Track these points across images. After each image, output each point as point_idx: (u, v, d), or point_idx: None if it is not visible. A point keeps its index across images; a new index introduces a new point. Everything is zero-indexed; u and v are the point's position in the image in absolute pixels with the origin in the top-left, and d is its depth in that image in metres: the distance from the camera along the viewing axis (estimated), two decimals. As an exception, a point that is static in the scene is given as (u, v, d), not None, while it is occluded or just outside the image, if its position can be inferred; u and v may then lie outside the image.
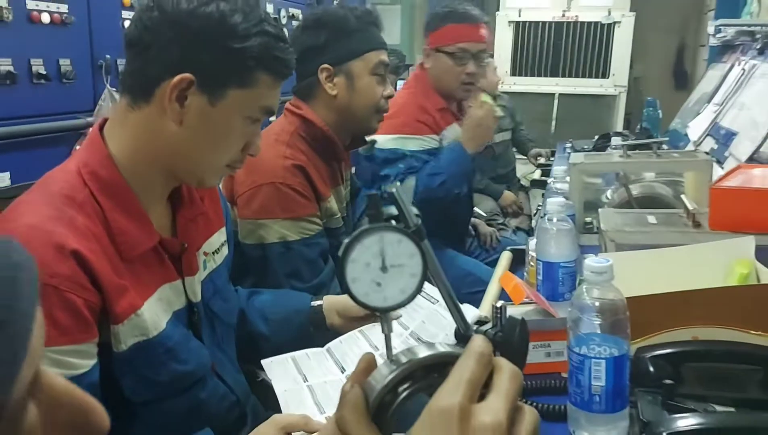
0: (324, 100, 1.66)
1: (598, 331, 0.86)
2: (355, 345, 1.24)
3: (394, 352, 0.54)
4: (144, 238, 1.01)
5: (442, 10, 2.42)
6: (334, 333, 1.31)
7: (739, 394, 0.91)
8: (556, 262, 1.25)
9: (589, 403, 0.87)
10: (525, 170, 4.82)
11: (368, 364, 0.55)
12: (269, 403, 1.22)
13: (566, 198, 1.66)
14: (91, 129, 2.22)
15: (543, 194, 3.15)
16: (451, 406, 0.47)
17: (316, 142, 1.64)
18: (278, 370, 1.19)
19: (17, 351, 0.28)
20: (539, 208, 3.11)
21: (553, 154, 4.08)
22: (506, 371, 0.51)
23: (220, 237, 1.22)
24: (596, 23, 5.14)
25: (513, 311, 1.03)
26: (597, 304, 0.86)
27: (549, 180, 2.14)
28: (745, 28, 2.85)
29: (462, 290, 1.80)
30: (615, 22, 5.11)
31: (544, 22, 5.24)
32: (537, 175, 4.07)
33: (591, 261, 0.87)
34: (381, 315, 0.53)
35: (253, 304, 1.37)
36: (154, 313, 1.01)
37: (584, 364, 0.86)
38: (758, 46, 2.56)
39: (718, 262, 1.15)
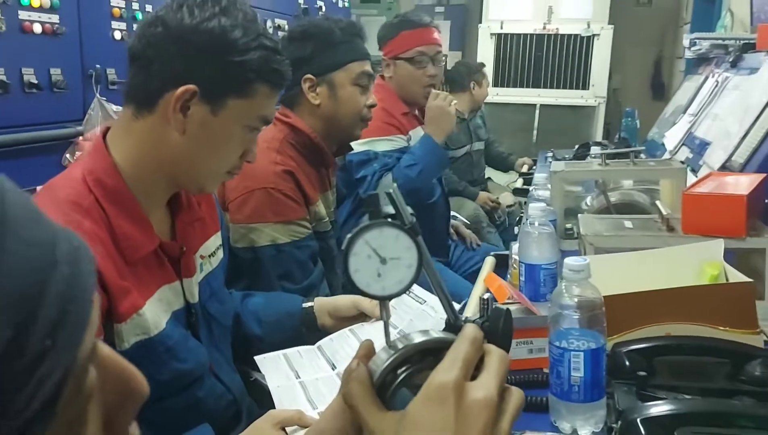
0: (308, 109, 1.72)
1: (577, 326, 0.92)
2: (346, 343, 1.29)
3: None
4: (146, 242, 1.06)
5: (394, 20, 2.53)
6: (325, 332, 1.35)
7: (707, 385, 0.98)
8: (538, 265, 1.31)
9: (568, 393, 0.92)
10: (507, 179, 4.90)
11: (368, 350, 0.60)
12: (263, 403, 1.26)
13: (548, 204, 1.73)
14: (80, 138, 2.27)
15: (525, 202, 3.22)
16: (447, 382, 0.53)
17: (304, 148, 1.70)
18: (271, 366, 1.23)
19: (84, 318, 0.33)
20: (521, 214, 3.18)
21: (535, 163, 4.16)
22: (496, 354, 0.57)
23: (215, 241, 1.27)
24: (576, 36, 5.25)
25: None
26: (575, 300, 0.92)
27: (531, 188, 2.21)
28: (719, 41, 2.95)
29: None
30: (594, 35, 5.23)
31: (525, 35, 5.34)
32: (519, 183, 4.15)
33: (570, 260, 0.93)
34: (380, 303, 0.58)
35: (246, 307, 1.41)
36: (155, 312, 1.05)
37: (564, 356, 0.92)
38: (731, 59, 2.65)
39: (690, 264, 1.22)
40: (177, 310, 1.11)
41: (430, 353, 0.57)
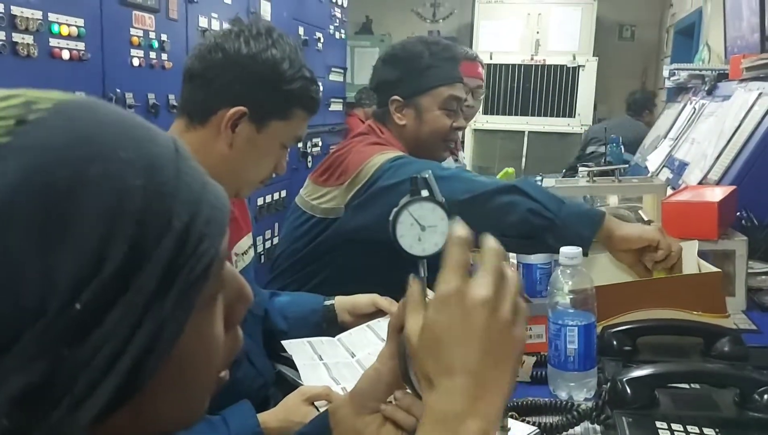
0: (395, 128, 1.84)
1: (571, 305, 1.07)
2: (364, 337, 1.42)
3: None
4: None
5: None
6: (344, 328, 1.49)
7: (683, 359, 1.13)
8: (534, 264, 1.47)
9: (564, 363, 1.07)
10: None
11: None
12: (287, 393, 1.39)
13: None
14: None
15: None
16: (449, 291, 0.62)
17: None
18: (297, 349, 1.37)
19: (223, 223, 0.48)
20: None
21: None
22: (488, 249, 0.64)
23: (247, 241, 1.42)
24: (562, 66, 5.49)
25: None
26: (570, 283, 1.08)
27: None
28: (696, 72, 3.17)
29: None
30: (580, 66, 5.48)
31: (513, 65, 5.58)
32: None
33: (565, 249, 1.09)
34: (420, 261, 0.73)
35: (273, 304, 1.55)
36: None
37: (561, 331, 1.07)
38: (707, 88, 2.86)
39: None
40: None
41: None
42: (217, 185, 0.51)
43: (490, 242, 0.64)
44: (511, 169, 2.57)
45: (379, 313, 1.48)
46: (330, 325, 1.52)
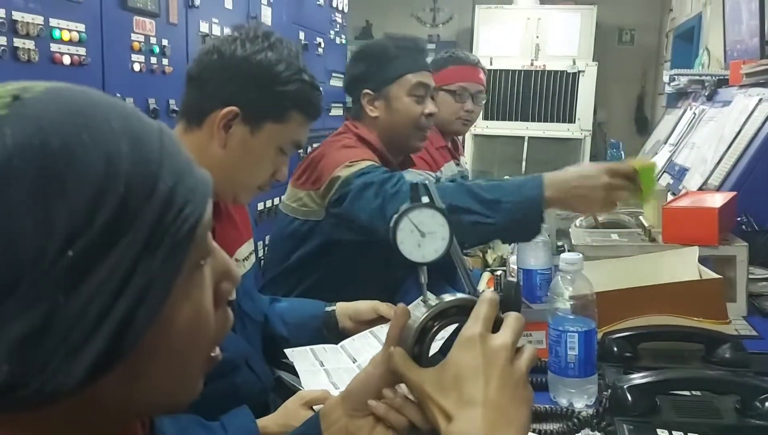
0: (369, 122, 1.88)
1: (571, 311, 1.07)
2: (366, 343, 1.42)
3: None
4: None
5: (445, 55, 2.70)
6: (345, 335, 1.49)
7: (684, 366, 1.13)
8: (534, 270, 1.47)
9: (565, 369, 1.07)
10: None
11: (403, 311, 0.75)
12: (287, 398, 1.39)
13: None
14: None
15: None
16: (473, 334, 0.69)
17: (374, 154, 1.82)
18: (299, 356, 1.37)
19: (206, 196, 0.52)
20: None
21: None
22: (512, 316, 0.73)
23: (248, 247, 1.42)
24: (562, 72, 5.49)
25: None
26: (570, 289, 1.08)
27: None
28: (696, 77, 3.17)
29: None
30: (579, 71, 5.47)
31: (513, 70, 5.57)
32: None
33: (566, 255, 1.09)
34: (420, 267, 0.73)
35: (273, 310, 1.55)
36: None
37: (561, 337, 1.07)
38: (706, 93, 2.86)
39: (668, 267, 1.38)
40: None
41: (456, 309, 0.72)
42: (201, 168, 0.54)
43: (519, 315, 0.73)
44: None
45: (380, 319, 1.48)
46: (330, 331, 1.52)
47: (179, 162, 0.51)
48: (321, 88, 1.33)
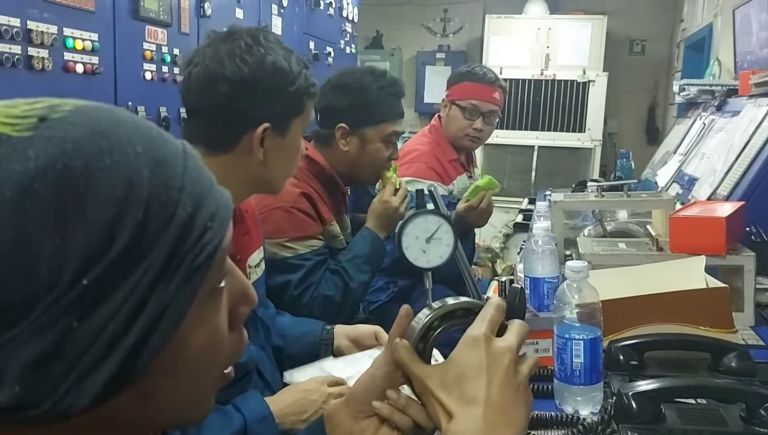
0: (336, 152, 1.91)
1: (577, 319, 1.07)
2: (365, 363, 1.43)
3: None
4: None
5: (465, 69, 2.71)
6: (339, 354, 1.49)
7: (690, 374, 1.13)
8: (542, 278, 1.47)
9: (571, 377, 1.07)
10: (506, 218, 5.07)
11: (407, 312, 0.76)
12: None
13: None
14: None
15: (524, 241, 3.38)
16: (479, 334, 0.70)
17: (320, 176, 1.89)
18: (299, 375, 1.38)
19: (226, 219, 0.52)
20: (522, 247, 3.34)
21: (532, 202, 4.35)
22: (517, 323, 0.74)
23: (259, 254, 1.44)
24: (572, 81, 5.49)
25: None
26: (576, 297, 1.08)
27: (531, 222, 2.37)
28: (706, 87, 3.17)
29: (453, 335, 1.91)
30: (590, 81, 5.47)
31: (524, 80, 5.58)
32: (519, 219, 4.31)
33: (571, 263, 1.09)
34: (425, 273, 0.74)
35: (275, 323, 1.56)
36: None
37: (567, 345, 1.07)
38: (716, 104, 2.86)
39: (675, 275, 1.38)
40: None
41: (462, 311, 0.73)
42: (222, 189, 0.54)
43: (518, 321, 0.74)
44: (488, 179, 2.38)
45: (380, 346, 1.49)
46: (325, 348, 1.52)
47: (201, 186, 0.50)
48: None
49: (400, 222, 0.73)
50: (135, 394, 0.47)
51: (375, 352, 1.46)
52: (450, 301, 0.74)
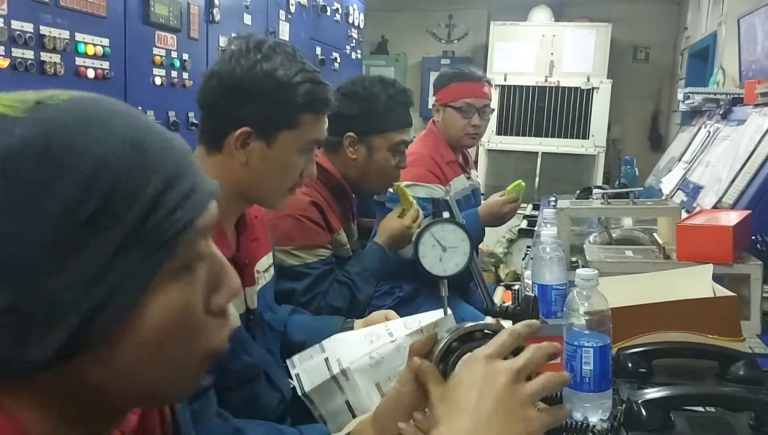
0: (343, 159, 1.93)
1: (587, 327, 1.09)
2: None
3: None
4: (224, 251, 1.23)
5: (450, 71, 2.75)
6: None
7: (698, 382, 1.14)
8: (550, 285, 1.48)
9: (580, 384, 1.08)
10: (509, 224, 5.07)
11: (431, 339, 0.78)
12: (301, 411, 1.41)
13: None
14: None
15: (528, 247, 3.39)
16: (480, 354, 0.72)
17: (329, 184, 1.90)
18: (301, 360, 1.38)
19: (204, 200, 0.55)
20: (527, 252, 3.36)
21: (535, 207, 4.36)
22: (534, 347, 0.75)
23: (268, 260, 1.45)
24: (576, 88, 5.52)
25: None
26: (586, 304, 1.09)
27: (536, 228, 2.38)
28: (710, 96, 3.18)
29: None
30: (593, 88, 5.49)
31: (528, 87, 5.60)
32: (524, 225, 4.32)
33: (581, 271, 1.10)
34: (441, 281, 0.76)
35: (293, 319, 1.58)
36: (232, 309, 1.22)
37: (576, 352, 1.08)
38: (721, 112, 2.87)
39: (682, 284, 1.39)
40: (241, 313, 1.28)
41: (481, 334, 0.75)
42: (212, 181, 0.59)
43: (545, 345, 0.75)
44: (522, 183, 2.61)
45: None
46: None
47: (179, 170, 0.54)
48: (325, 81, 1.32)
49: (417, 230, 0.74)
50: (97, 358, 0.51)
51: (374, 330, 1.45)
52: (468, 324, 0.76)
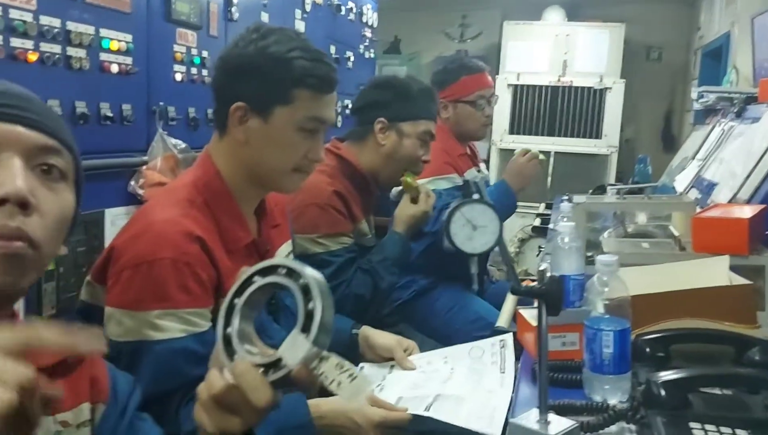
0: (372, 146, 1.97)
1: (607, 311, 1.12)
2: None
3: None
4: (244, 235, 1.27)
5: (453, 65, 2.77)
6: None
7: (715, 367, 1.17)
8: (568, 275, 1.51)
9: (600, 366, 1.11)
10: (522, 223, 5.11)
11: None
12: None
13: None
14: (144, 167, 2.48)
15: (540, 247, 3.41)
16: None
17: (352, 176, 1.94)
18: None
19: None
20: (541, 249, 3.38)
21: (548, 206, 4.38)
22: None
23: (287, 247, 1.49)
24: (589, 88, 5.53)
25: (528, 313, 1.30)
26: (606, 290, 1.12)
27: (551, 225, 2.41)
28: (724, 94, 3.19)
29: (472, 333, 1.83)
30: (606, 88, 5.51)
31: (540, 86, 5.62)
32: (537, 222, 4.34)
33: (602, 257, 1.14)
34: (470, 258, 0.79)
35: None
36: None
37: (596, 336, 1.11)
38: (735, 110, 2.89)
39: (699, 274, 1.41)
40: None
41: (284, 268, 0.78)
42: None
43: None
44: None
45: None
46: (351, 350, 1.57)
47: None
48: (328, 61, 1.34)
49: (447, 211, 0.77)
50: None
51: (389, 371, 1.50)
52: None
